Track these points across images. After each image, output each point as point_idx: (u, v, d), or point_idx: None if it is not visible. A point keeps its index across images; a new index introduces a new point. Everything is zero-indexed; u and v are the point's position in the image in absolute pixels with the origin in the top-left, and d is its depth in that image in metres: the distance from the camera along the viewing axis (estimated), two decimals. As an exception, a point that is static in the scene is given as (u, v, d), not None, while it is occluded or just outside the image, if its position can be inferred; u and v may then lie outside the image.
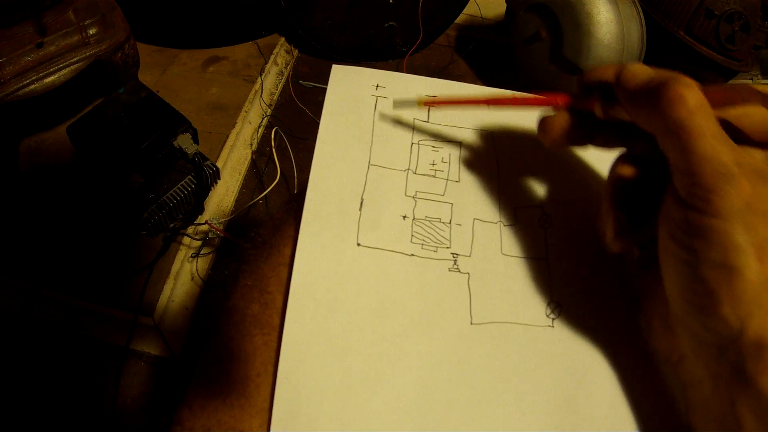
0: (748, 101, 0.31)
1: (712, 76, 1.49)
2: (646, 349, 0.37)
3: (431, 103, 0.44)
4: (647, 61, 1.40)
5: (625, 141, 0.37)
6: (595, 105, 0.36)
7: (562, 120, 0.37)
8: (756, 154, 0.31)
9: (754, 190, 0.29)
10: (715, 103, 0.31)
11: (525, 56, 1.50)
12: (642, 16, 1.37)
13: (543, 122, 0.38)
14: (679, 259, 0.31)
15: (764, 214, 0.29)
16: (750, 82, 1.64)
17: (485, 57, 1.69)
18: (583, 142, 0.38)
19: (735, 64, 1.45)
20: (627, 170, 0.36)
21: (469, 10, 1.67)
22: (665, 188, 0.32)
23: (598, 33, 1.30)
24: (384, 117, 0.45)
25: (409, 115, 0.45)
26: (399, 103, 0.45)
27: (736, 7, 1.36)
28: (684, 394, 0.35)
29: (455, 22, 1.69)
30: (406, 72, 1.57)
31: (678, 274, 0.31)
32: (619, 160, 0.36)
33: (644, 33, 1.37)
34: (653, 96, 0.31)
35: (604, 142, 0.38)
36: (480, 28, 1.71)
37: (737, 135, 0.31)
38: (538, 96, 0.39)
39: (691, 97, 0.30)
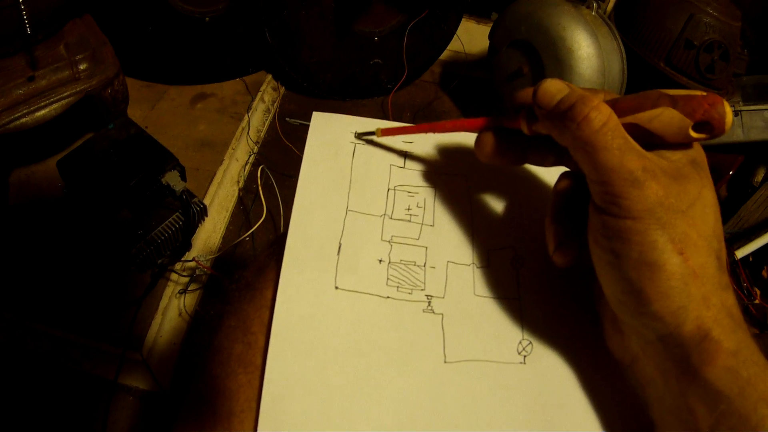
0: (657, 105, 0.33)
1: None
2: (618, 386, 0.39)
3: (387, 131, 0.46)
4: (629, 92, 1.40)
5: (559, 158, 0.40)
6: (521, 122, 0.38)
7: (495, 137, 0.40)
8: (673, 156, 0.34)
9: (666, 190, 0.31)
10: (627, 111, 0.33)
11: (508, 91, 1.51)
12: (622, 50, 1.39)
13: (477, 139, 0.41)
14: (605, 263, 0.33)
15: (680, 211, 0.31)
16: (732, 109, 1.65)
17: (469, 93, 1.71)
18: (518, 158, 0.41)
19: (715, 93, 1.46)
20: (563, 184, 0.38)
21: (453, 46, 1.70)
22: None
23: (580, 68, 1.31)
24: (362, 163, 0.47)
25: (386, 161, 0.47)
26: (361, 134, 0.48)
27: (715, 37, 1.37)
28: (641, 393, 0.37)
29: (439, 58, 1.71)
30: (391, 109, 1.59)
31: (608, 277, 0.34)
32: (560, 177, 0.39)
33: (625, 66, 1.39)
34: (564, 117, 0.34)
35: (538, 159, 0.40)
36: (464, 64, 1.74)
37: (651, 138, 0.33)
38: (472, 119, 0.42)
39: (596, 118, 0.32)
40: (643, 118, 0.33)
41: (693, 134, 0.32)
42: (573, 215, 0.38)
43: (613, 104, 0.34)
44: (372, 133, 0.47)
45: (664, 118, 0.33)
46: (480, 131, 0.41)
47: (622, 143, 0.32)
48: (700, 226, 0.32)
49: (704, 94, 0.32)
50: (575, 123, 0.33)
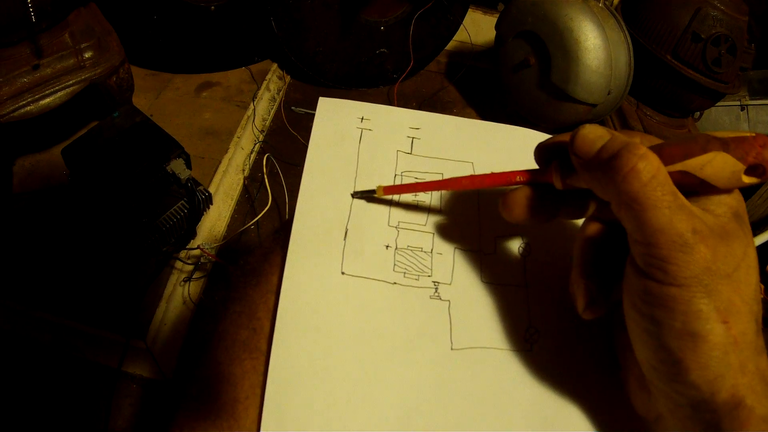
0: (707, 150, 0.30)
1: (700, 99, 1.51)
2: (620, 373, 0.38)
3: (390, 190, 0.43)
4: (635, 85, 1.43)
5: (598, 211, 0.37)
6: (554, 176, 0.35)
7: (523, 196, 0.37)
8: (717, 208, 0.31)
9: (715, 254, 0.28)
10: (675, 159, 0.30)
11: (514, 82, 1.51)
12: (629, 41, 1.38)
13: (504, 199, 0.37)
14: (643, 329, 0.31)
15: (725, 275, 0.28)
16: (738, 103, 1.64)
17: (475, 83, 1.71)
18: (548, 216, 0.37)
19: (722, 87, 1.47)
20: (592, 230, 0.35)
21: (460, 36, 1.70)
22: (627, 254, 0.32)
23: (586, 59, 1.31)
24: (369, 149, 0.46)
25: (393, 147, 0.47)
26: (359, 194, 0.45)
27: (722, 30, 1.37)
28: None
29: (445, 48, 1.71)
30: (396, 98, 1.59)
31: (643, 344, 0.31)
32: (586, 221, 0.36)
33: (632, 58, 1.39)
34: (606, 167, 0.30)
35: (573, 214, 0.37)
36: (470, 54, 1.73)
37: (699, 188, 0.31)
38: (494, 174, 0.38)
39: (644, 169, 0.29)
40: (695, 165, 0.30)
41: (745, 179, 0.30)
42: (603, 266, 0.35)
43: (657, 151, 0.30)
44: (372, 192, 0.44)
45: (716, 163, 0.29)
46: (505, 188, 0.38)
47: (671, 200, 0.29)
48: (744, 290, 0.29)
49: (753, 134, 0.30)
50: (620, 175, 0.29)
